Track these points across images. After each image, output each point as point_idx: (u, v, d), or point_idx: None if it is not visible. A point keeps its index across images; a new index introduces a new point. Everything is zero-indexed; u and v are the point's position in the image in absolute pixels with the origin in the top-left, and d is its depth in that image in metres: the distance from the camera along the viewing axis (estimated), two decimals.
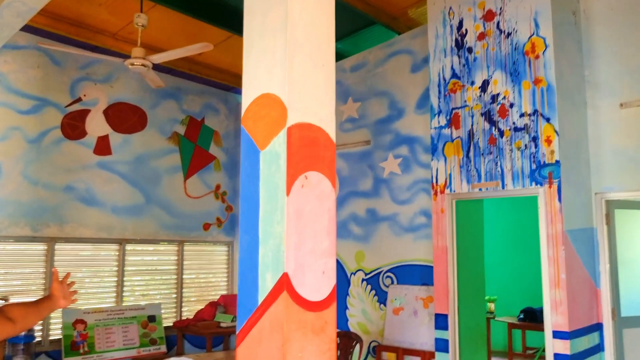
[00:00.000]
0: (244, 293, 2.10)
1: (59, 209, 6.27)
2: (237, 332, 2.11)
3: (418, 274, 6.09)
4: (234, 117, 8.22)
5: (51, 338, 6.11)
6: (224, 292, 7.94)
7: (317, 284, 2.09)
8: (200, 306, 7.52)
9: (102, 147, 6.69)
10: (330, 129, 2.22)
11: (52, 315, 6.13)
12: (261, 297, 2.04)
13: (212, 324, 6.99)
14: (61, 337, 6.00)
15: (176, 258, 7.45)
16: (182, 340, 7.13)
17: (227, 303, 7.49)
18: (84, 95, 6.55)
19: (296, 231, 2.03)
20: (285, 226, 1.99)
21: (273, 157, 2.07)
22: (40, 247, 6.17)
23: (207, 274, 7.87)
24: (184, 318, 7.29)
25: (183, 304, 7.45)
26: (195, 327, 6.89)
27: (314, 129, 2.15)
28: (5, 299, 5.66)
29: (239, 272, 2.14)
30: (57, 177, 6.28)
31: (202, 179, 7.73)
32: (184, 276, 7.49)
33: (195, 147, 7.69)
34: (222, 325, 6.99)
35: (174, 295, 7.39)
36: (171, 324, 7.12)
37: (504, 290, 8.70)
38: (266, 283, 2.03)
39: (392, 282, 6.31)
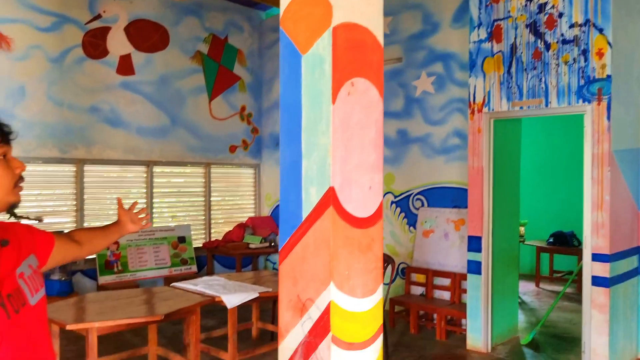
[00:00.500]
0: (286, 209, 1.99)
1: (86, 131, 6.21)
2: (279, 249, 2.02)
3: (449, 197, 5.96)
4: (258, 35, 7.89)
5: (87, 257, 6.24)
6: (251, 214, 7.97)
7: (364, 199, 1.96)
8: (228, 228, 7.59)
9: (125, 66, 6.51)
10: (378, 31, 2.01)
11: None
12: (305, 213, 1.92)
13: (241, 245, 7.07)
14: (96, 256, 6.12)
15: (203, 180, 7.44)
16: (212, 261, 7.26)
17: (255, 225, 7.54)
18: (104, 12, 6.29)
19: (342, 143, 1.87)
20: (331, 137, 1.84)
21: (316, 61, 1.88)
22: (69, 169, 6.17)
23: (234, 196, 7.88)
24: (213, 239, 7.38)
25: (212, 226, 7.52)
26: (225, 248, 6.98)
27: (361, 30, 1.94)
28: (39, 219, 5.73)
29: (280, 187, 2.02)
30: (81, 98, 6.16)
31: (227, 100, 7.55)
32: (211, 198, 7.50)
33: (219, 67, 7.45)
34: (251, 246, 7.06)
35: (202, 217, 7.44)
36: (201, 245, 7.22)
37: (534, 214, 8.59)
38: (310, 198, 1.91)
39: (423, 205, 6.21)
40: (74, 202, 6.19)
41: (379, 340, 2.03)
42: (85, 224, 6.24)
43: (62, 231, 1.89)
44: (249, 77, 7.83)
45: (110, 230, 1.88)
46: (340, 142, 1.86)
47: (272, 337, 5.21)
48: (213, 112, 7.38)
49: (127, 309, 3.77)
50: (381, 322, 2.04)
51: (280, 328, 2.03)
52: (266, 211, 7.93)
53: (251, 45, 7.84)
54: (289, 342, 1.98)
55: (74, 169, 6.19)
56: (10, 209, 1.42)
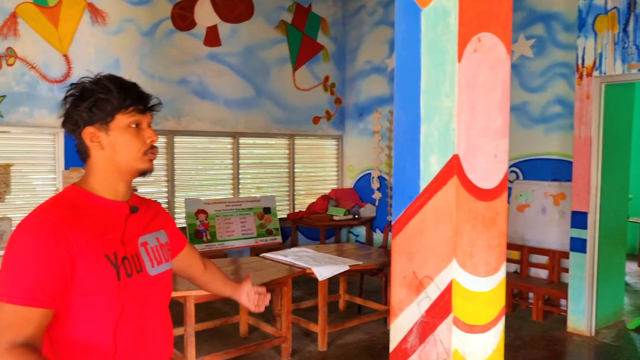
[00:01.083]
0: (401, 178, 1.84)
1: (175, 102, 6.33)
2: (392, 222, 1.88)
3: (549, 169, 5.56)
4: (342, 3, 7.67)
5: (178, 226, 6.44)
6: (335, 186, 7.90)
7: (489, 169, 1.77)
8: (311, 200, 7.57)
9: (212, 37, 6.54)
10: None
11: (177, 204, 6.42)
12: (424, 183, 1.76)
13: (324, 216, 7.03)
14: (186, 225, 6.30)
15: (287, 152, 7.43)
16: (296, 232, 7.28)
17: (338, 197, 7.46)
18: None
19: (468, 106, 1.68)
20: (456, 99, 1.65)
21: (439, 14, 1.69)
22: (161, 140, 6.33)
23: (317, 168, 7.82)
24: (297, 210, 7.39)
25: (295, 197, 7.52)
26: (309, 219, 6.96)
27: None
28: (134, 188, 5.95)
29: (394, 155, 1.87)
30: (171, 70, 6.27)
31: (310, 70, 7.44)
32: (295, 170, 7.49)
33: (303, 36, 7.33)
34: (335, 218, 7.00)
35: (286, 189, 7.46)
36: (285, 216, 7.26)
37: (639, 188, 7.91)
38: (430, 167, 1.74)
39: (517, 178, 5.84)
40: (165, 172, 6.37)
41: (501, 323, 1.86)
42: (176, 194, 6.42)
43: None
44: (333, 46, 7.66)
45: (229, 284, 1.85)
46: (465, 104, 1.67)
47: (359, 310, 5.15)
48: (297, 82, 7.30)
49: None
50: (503, 303, 1.87)
51: (392, 306, 1.90)
52: (349, 183, 7.83)
53: (335, 13, 7.64)
54: (403, 321, 1.85)
55: (165, 140, 6.35)
56: (141, 175, 1.44)
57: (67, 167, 5.59)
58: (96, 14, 5.77)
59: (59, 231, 1.27)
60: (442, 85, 1.69)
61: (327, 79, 7.61)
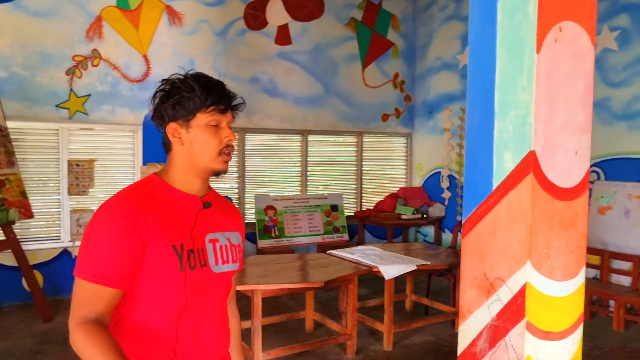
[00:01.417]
0: (473, 176, 1.77)
1: (246, 101, 6.38)
2: (463, 221, 1.82)
3: (634, 169, 5.20)
4: None
5: (247, 221, 6.60)
6: (403, 185, 7.79)
7: (569, 166, 1.66)
8: (379, 198, 7.50)
9: (282, 36, 6.63)
10: None
11: (247, 200, 6.57)
12: (497, 181, 1.69)
13: (392, 215, 6.95)
14: (255, 221, 6.43)
15: (355, 149, 7.41)
16: (363, 230, 7.25)
17: (406, 195, 7.36)
18: None
19: (547, 99, 1.59)
20: (533, 92, 1.57)
21: (517, 3, 1.61)
22: None
23: (385, 166, 7.75)
24: (364, 209, 7.35)
25: (363, 195, 7.49)
26: (376, 217, 6.91)
27: None
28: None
29: (466, 151, 1.80)
30: (242, 69, 6.42)
31: (379, 67, 7.37)
32: (363, 168, 7.46)
33: (373, 33, 7.28)
34: (403, 217, 6.90)
35: (354, 186, 7.44)
36: (352, 214, 7.24)
37: None
38: (505, 164, 1.66)
39: (598, 178, 5.51)
40: (237, 169, 6.53)
41: (579, 331, 1.76)
42: (246, 190, 6.57)
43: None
44: (403, 42, 7.55)
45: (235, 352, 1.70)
46: (544, 98, 1.58)
47: (426, 311, 5.05)
48: (366, 80, 7.26)
49: (288, 274, 3.86)
50: (582, 310, 1.76)
51: (461, 307, 1.84)
52: (417, 182, 7.70)
53: (405, 9, 7.53)
54: (472, 323, 1.78)
55: (237, 137, 6.50)
56: (215, 175, 1.47)
57: (144, 162, 5.85)
58: (173, 15, 6.00)
59: (134, 216, 1.33)
60: (518, 78, 1.61)
61: (396, 76, 7.52)
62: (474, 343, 1.78)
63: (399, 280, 5.40)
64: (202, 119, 1.42)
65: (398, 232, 7.47)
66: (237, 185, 6.55)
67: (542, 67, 1.57)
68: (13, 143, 4.90)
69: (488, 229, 1.72)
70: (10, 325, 4.67)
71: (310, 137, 7.00)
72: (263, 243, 6.33)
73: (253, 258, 4.52)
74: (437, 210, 7.11)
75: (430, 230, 7.35)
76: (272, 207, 6.53)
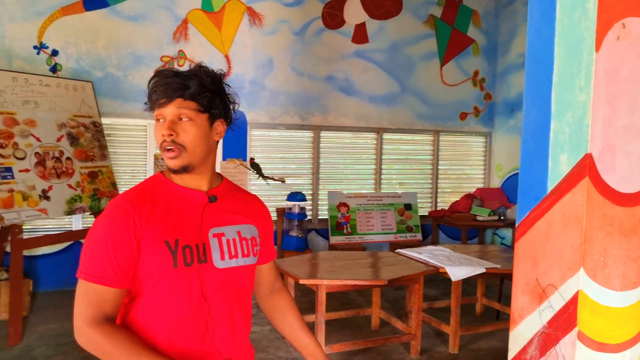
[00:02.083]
0: (528, 178, 1.73)
1: (322, 99, 6.58)
2: (516, 224, 1.78)
3: None
4: None
5: (320, 217, 6.72)
6: (481, 185, 7.58)
7: (631, 171, 1.58)
8: (455, 198, 7.35)
9: (359, 35, 6.67)
10: None
11: (320, 196, 6.68)
12: (552, 184, 1.64)
13: (467, 216, 6.78)
14: (328, 217, 6.52)
15: (431, 148, 7.30)
16: (437, 230, 7.13)
17: (483, 196, 7.15)
18: None
19: (607, 100, 1.52)
20: (591, 93, 1.51)
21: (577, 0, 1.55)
22: (308, 135, 6.63)
23: (462, 165, 7.57)
24: (438, 208, 7.23)
25: (438, 195, 7.37)
26: (451, 218, 6.78)
27: None
28: (282, 180, 6.33)
29: (521, 153, 1.76)
30: (319, 68, 6.53)
31: (458, 64, 7.21)
32: (439, 167, 7.34)
33: (452, 30, 7.12)
34: (478, 218, 6.72)
35: (429, 186, 7.34)
36: (426, 214, 7.15)
37: None
38: (560, 166, 1.61)
39: None
40: (311, 166, 6.66)
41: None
42: (320, 187, 6.68)
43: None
44: (484, 39, 7.33)
45: (302, 335, 1.65)
46: (603, 98, 1.51)
47: (497, 316, 4.90)
48: (444, 77, 7.13)
49: (353, 270, 3.90)
50: None
51: (512, 313, 1.80)
52: (496, 182, 7.45)
53: (487, 5, 7.30)
54: (523, 330, 1.74)
55: (312, 135, 6.63)
56: (171, 171, 1.44)
57: (224, 157, 6.12)
58: (254, 16, 6.22)
59: (129, 215, 1.34)
60: (576, 77, 1.55)
61: (476, 73, 7.31)
62: (524, 350, 1.73)
63: (471, 283, 5.29)
64: (154, 114, 1.41)
65: (473, 234, 7.28)
66: (310, 182, 6.67)
67: (602, 66, 1.50)
68: (106, 138, 5.31)
69: (541, 233, 1.67)
70: None
71: (386, 135, 6.98)
72: (335, 239, 6.40)
73: (323, 253, 4.60)
74: (515, 212, 6.84)
75: (508, 233, 7.10)
76: (345, 204, 6.60)
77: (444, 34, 7.08)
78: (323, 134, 6.68)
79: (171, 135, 1.37)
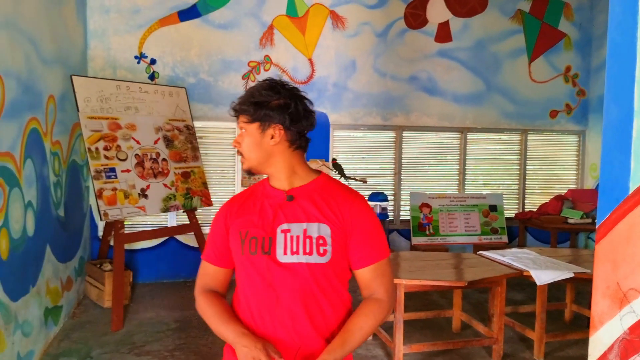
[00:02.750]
0: (609, 178, 1.67)
1: (405, 99, 6.57)
2: (597, 226, 1.73)
3: None
4: None
5: (401, 218, 6.71)
6: (573, 186, 7.20)
7: None
8: (544, 199, 7.04)
9: (443, 34, 6.59)
10: None
11: (403, 197, 6.68)
12: (634, 184, 1.58)
13: (557, 218, 6.48)
14: (410, 218, 6.50)
15: (519, 148, 7.05)
16: (524, 233, 6.88)
17: (575, 198, 6.79)
18: None
19: None
20: None
21: None
22: (390, 135, 6.65)
23: (553, 165, 7.23)
24: (526, 210, 6.97)
25: (525, 196, 7.10)
26: (539, 220, 6.51)
27: None
28: (364, 180, 6.39)
29: (602, 152, 1.71)
30: (402, 68, 6.53)
31: (548, 60, 6.90)
32: (526, 167, 7.07)
33: (542, 25, 6.84)
34: (570, 221, 6.40)
35: (516, 187, 7.09)
36: (513, 215, 6.92)
37: None
38: None
39: None
40: (393, 166, 6.68)
41: None
42: (402, 187, 6.67)
43: None
44: (576, 33, 6.96)
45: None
46: None
47: (587, 324, 4.65)
48: (533, 74, 6.86)
49: (433, 270, 3.89)
50: None
51: (593, 317, 1.75)
52: (590, 183, 7.05)
53: None
54: (603, 335, 1.69)
55: (394, 135, 6.64)
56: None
57: (307, 158, 6.28)
58: (337, 19, 6.34)
59: (224, 211, 1.72)
60: None
61: (568, 69, 6.97)
62: (604, 356, 1.68)
63: (560, 288, 5.07)
64: None
65: (564, 238, 6.95)
66: (392, 182, 6.69)
67: None
68: (198, 140, 5.66)
69: (622, 235, 1.61)
70: (191, 298, 5.42)
71: (470, 135, 6.84)
72: (417, 240, 6.38)
73: (404, 253, 4.62)
74: None
75: None
76: (427, 205, 6.55)
77: (533, 29, 6.82)
78: (405, 134, 6.67)
79: (237, 145, 1.67)
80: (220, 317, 1.61)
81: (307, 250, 1.56)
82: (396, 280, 3.63)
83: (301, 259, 1.56)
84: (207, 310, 1.64)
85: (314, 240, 1.57)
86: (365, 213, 1.63)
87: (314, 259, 1.56)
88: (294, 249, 1.56)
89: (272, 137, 1.60)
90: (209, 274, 1.73)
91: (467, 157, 6.88)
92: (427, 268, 3.98)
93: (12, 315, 3.30)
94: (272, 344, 1.53)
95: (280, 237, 1.57)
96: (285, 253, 1.56)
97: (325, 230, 1.58)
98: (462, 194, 6.74)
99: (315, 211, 1.60)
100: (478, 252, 4.58)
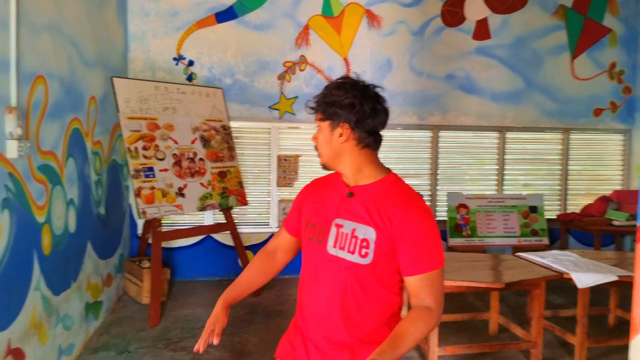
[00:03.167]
0: None
1: (441, 98, 6.48)
2: (637, 224, 1.66)
3: None
4: None
5: (438, 219, 6.61)
6: (618, 187, 6.95)
7: None
8: (588, 200, 6.81)
9: (481, 31, 6.46)
10: None
11: (439, 197, 6.58)
12: None
13: (601, 220, 6.26)
14: (446, 218, 6.40)
15: (560, 147, 6.84)
16: (566, 235, 6.67)
17: (621, 199, 6.54)
18: None
19: None
20: None
21: None
22: (426, 134, 6.57)
23: (597, 166, 6.99)
24: (568, 212, 6.76)
25: (568, 197, 6.89)
26: (582, 222, 6.30)
27: None
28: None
29: None
30: (438, 67, 6.44)
31: (592, 57, 6.68)
32: (569, 167, 6.86)
33: (585, 20, 6.62)
34: (614, 223, 6.17)
35: (558, 187, 6.89)
36: (554, 217, 6.72)
37: None
38: None
39: None
40: (429, 166, 6.59)
41: None
42: (438, 188, 6.58)
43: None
44: (622, 28, 6.71)
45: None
46: None
47: None
48: (575, 71, 6.65)
49: (469, 272, 3.82)
50: None
51: (633, 319, 1.67)
52: (637, 184, 6.78)
53: None
54: None
55: (430, 135, 6.56)
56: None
57: None
58: (372, 19, 6.31)
59: (304, 191, 1.90)
60: None
61: (613, 65, 6.72)
62: None
63: (603, 292, 4.89)
64: None
65: (609, 240, 6.70)
66: (429, 182, 6.60)
67: None
68: (234, 140, 5.73)
69: None
70: None
71: (509, 135, 6.69)
72: (454, 241, 6.27)
73: None
74: None
75: None
76: (464, 206, 6.43)
77: (576, 24, 6.61)
78: (442, 133, 6.58)
79: (314, 140, 1.77)
80: (242, 274, 1.92)
81: (351, 249, 1.64)
82: None
83: (346, 255, 1.65)
84: (249, 264, 1.95)
85: (359, 241, 1.63)
86: (419, 221, 1.59)
87: (356, 258, 1.63)
88: (342, 245, 1.66)
89: (340, 135, 1.67)
90: (280, 235, 1.96)
91: (506, 157, 6.72)
92: (463, 269, 3.91)
93: (54, 308, 3.41)
94: (223, 323, 1.87)
95: (333, 230, 1.69)
96: (334, 246, 1.67)
97: (371, 234, 1.61)
98: (500, 195, 6.59)
99: (365, 214, 1.64)
100: (516, 254, 4.47)
